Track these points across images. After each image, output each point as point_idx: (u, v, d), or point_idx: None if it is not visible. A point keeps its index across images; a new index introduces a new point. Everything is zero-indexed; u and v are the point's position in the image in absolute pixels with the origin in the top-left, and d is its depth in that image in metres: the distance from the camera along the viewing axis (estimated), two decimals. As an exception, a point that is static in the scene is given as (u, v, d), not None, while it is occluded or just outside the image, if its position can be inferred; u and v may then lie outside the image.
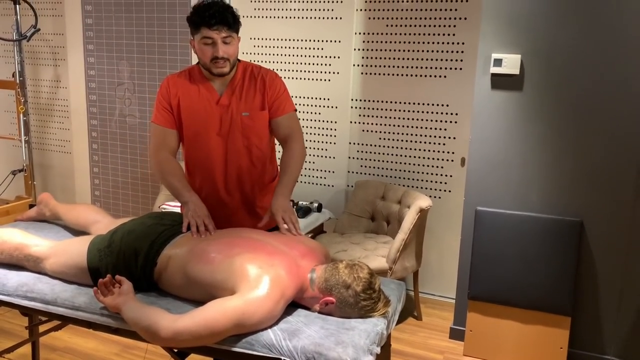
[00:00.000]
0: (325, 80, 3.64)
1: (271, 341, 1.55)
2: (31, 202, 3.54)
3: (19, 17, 3.89)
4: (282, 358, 1.53)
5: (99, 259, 1.86)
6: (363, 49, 3.55)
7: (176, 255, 1.81)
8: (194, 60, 3.90)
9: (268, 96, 2.09)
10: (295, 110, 2.19)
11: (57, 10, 4.37)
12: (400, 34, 3.44)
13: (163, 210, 3.47)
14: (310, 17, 3.60)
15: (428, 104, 3.45)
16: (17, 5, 3.87)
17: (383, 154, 3.62)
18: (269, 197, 2.14)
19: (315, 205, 3.46)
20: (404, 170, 3.59)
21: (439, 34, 3.34)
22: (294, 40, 3.66)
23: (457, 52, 3.32)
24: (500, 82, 2.78)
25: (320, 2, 3.56)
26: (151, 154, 2.13)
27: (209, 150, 2.09)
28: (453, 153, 3.44)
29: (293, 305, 1.73)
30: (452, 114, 3.40)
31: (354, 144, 3.69)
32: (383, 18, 3.46)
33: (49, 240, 2.08)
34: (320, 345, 1.52)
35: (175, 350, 1.81)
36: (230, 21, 1.96)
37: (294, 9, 3.61)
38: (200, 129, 2.08)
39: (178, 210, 3.41)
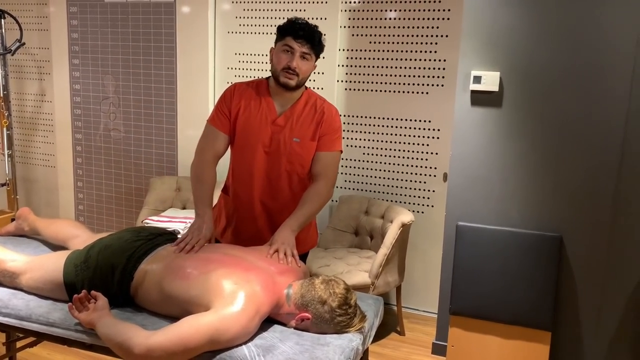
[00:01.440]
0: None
1: (245, 357, 1.55)
2: (13, 217, 3.51)
3: (4, 31, 3.90)
4: (256, 374, 1.53)
5: (75, 274, 1.85)
6: (347, 65, 3.58)
7: (152, 270, 1.81)
8: (179, 74, 3.93)
9: (322, 128, 2.11)
10: (341, 151, 2.19)
11: (42, 24, 4.38)
12: (383, 50, 3.48)
13: (145, 224, 3.46)
14: (295, 34, 3.64)
15: (411, 120, 3.48)
16: (2, 20, 3.87)
17: (367, 169, 3.65)
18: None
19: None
20: (388, 185, 3.61)
21: (421, 51, 3.39)
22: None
23: (439, 69, 3.36)
24: (479, 98, 2.81)
25: (305, 18, 3.59)
26: (197, 151, 2.16)
27: (252, 164, 2.12)
28: (435, 168, 3.47)
29: (269, 321, 1.73)
30: (434, 129, 3.44)
31: (338, 159, 3.70)
32: (366, 35, 3.50)
33: (25, 255, 2.07)
34: (294, 361, 1.52)
35: (151, 367, 1.80)
36: (316, 40, 2.03)
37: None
38: (250, 142, 2.11)
39: (160, 224, 3.41)
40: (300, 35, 1.99)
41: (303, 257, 2.28)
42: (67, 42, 4.24)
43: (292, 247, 1.94)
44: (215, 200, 2.20)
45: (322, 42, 2.07)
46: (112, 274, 1.83)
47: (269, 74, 2.08)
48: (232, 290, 1.61)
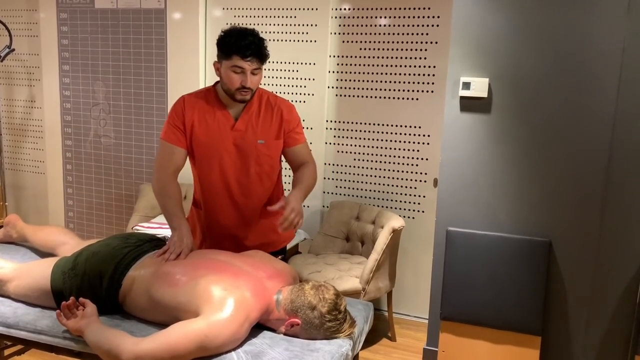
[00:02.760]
0: (300, 101, 3.68)
1: (234, 364, 1.55)
2: (1, 224, 3.48)
3: (-7, 37, 3.88)
4: (246, 381, 1.52)
5: (62, 281, 1.84)
6: (337, 72, 3.60)
7: (140, 277, 1.80)
8: (170, 81, 3.92)
9: (285, 127, 2.15)
10: (306, 140, 2.27)
11: (32, 30, 4.36)
12: (374, 57, 3.50)
13: (135, 231, 3.44)
14: (286, 40, 3.65)
15: (401, 126, 3.50)
16: (-8, 26, 3.86)
17: (358, 174, 3.65)
18: (263, 225, 2.21)
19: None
20: (379, 191, 3.62)
21: (411, 58, 3.41)
22: (269, 62, 3.69)
23: (429, 75, 3.38)
24: (469, 104, 2.83)
25: (295, 25, 3.62)
26: (155, 169, 2.14)
27: (221, 173, 2.12)
28: (426, 174, 3.48)
29: (259, 327, 1.72)
30: (424, 135, 3.45)
31: (329, 164, 3.72)
32: (357, 41, 3.52)
33: (13, 262, 2.06)
34: (284, 367, 1.52)
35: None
36: (263, 54, 2.02)
37: (270, 32, 3.66)
38: (213, 152, 2.11)
39: (150, 231, 3.40)
40: (248, 54, 1.97)
41: (282, 252, 2.35)
42: (57, 48, 4.23)
43: (301, 216, 1.97)
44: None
45: (267, 50, 2.05)
46: (100, 281, 1.82)
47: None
48: (222, 297, 1.61)
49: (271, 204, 2.18)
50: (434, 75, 3.37)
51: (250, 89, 2.03)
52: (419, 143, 3.47)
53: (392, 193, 3.59)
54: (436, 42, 3.34)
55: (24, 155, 4.63)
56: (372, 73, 3.51)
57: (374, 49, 3.49)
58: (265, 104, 2.15)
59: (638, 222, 2.65)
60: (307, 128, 3.69)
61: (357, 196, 3.67)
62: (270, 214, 2.18)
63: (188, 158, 2.18)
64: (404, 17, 3.39)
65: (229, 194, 2.15)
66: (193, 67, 3.86)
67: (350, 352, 1.69)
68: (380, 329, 3.41)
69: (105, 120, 4.19)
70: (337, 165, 3.68)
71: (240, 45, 1.96)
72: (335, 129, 3.66)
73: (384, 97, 3.51)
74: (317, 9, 3.55)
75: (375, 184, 3.62)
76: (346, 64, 3.57)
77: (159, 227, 3.52)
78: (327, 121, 3.67)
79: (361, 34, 3.50)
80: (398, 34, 3.41)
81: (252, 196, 2.17)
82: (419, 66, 3.39)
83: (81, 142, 4.30)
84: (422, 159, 3.48)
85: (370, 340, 3.28)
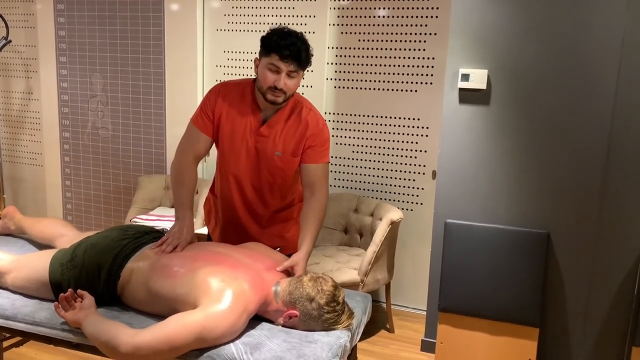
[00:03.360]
0: (298, 93, 3.66)
1: (233, 355, 1.55)
2: (-1, 216, 3.48)
3: (-11, 28, 3.86)
4: (244, 372, 1.53)
5: (61, 273, 1.84)
6: (336, 63, 3.58)
7: (139, 268, 1.80)
8: (168, 72, 3.91)
9: (307, 140, 2.04)
10: (329, 162, 2.14)
11: (29, 22, 4.33)
12: (372, 48, 3.48)
13: (133, 223, 3.44)
14: (284, 31, 3.63)
15: (399, 118, 3.49)
16: (-12, 17, 3.83)
17: (356, 166, 3.65)
18: (273, 230, 2.19)
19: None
20: (377, 183, 3.61)
21: (410, 49, 3.39)
22: (267, 53, 3.69)
23: (428, 66, 3.37)
24: (468, 96, 2.82)
25: (293, 16, 3.60)
26: (178, 151, 2.11)
27: (236, 171, 2.09)
28: (424, 166, 3.48)
29: (257, 319, 1.72)
30: (423, 127, 3.45)
31: (328, 157, 3.70)
32: (355, 33, 3.51)
33: (11, 254, 2.06)
34: (282, 358, 1.52)
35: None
36: (303, 59, 1.94)
37: (268, 23, 3.64)
38: (234, 149, 2.07)
39: (149, 223, 3.39)
40: (287, 55, 1.90)
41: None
42: (54, 39, 4.20)
43: (303, 272, 1.92)
44: (202, 198, 2.20)
45: (309, 55, 1.98)
46: (98, 272, 1.82)
47: None
48: (220, 288, 1.61)
49: (284, 212, 2.16)
50: (433, 67, 3.36)
51: (283, 91, 1.94)
52: (417, 135, 3.47)
53: (390, 185, 3.58)
54: (435, 34, 3.32)
55: (21, 148, 4.62)
56: (371, 65, 3.50)
57: (373, 41, 3.47)
58: (297, 114, 2.05)
59: (636, 214, 2.65)
60: (306, 120, 3.68)
61: (355, 188, 3.67)
62: (281, 220, 2.17)
63: (215, 146, 2.14)
64: (403, 8, 3.37)
65: (242, 193, 2.12)
66: (191, 59, 3.84)
67: (348, 343, 1.70)
68: (379, 321, 3.42)
69: (103, 112, 4.17)
70: (336, 157, 3.68)
71: (281, 44, 1.90)
72: (333, 121, 3.65)
73: (383, 89, 3.50)
74: (315, 0, 3.53)
75: (373, 176, 3.61)
76: (345, 56, 3.56)
77: (158, 219, 3.52)
78: (325, 113, 3.65)
79: (360, 25, 3.48)
80: (397, 25, 3.40)
81: (264, 202, 2.14)
82: (418, 58, 3.38)
83: (79, 134, 4.29)
84: (420, 151, 3.47)
85: (369, 331, 3.28)
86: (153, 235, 2.00)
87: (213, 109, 2.06)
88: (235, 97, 2.06)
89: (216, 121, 2.07)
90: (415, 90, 3.42)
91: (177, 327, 1.52)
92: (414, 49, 3.38)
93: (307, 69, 2.03)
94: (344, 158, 3.67)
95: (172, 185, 2.10)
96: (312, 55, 1.99)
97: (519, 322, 2.79)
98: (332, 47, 3.57)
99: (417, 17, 3.35)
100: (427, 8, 3.32)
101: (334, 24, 3.55)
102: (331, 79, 3.61)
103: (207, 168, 3.98)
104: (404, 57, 3.41)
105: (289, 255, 2.14)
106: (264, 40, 1.95)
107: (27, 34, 4.37)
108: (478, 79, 2.78)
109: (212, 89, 2.11)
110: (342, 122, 3.64)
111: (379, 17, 3.43)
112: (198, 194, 3.70)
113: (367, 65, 3.51)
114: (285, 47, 1.89)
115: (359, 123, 3.59)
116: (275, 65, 1.91)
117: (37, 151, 4.55)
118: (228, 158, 2.09)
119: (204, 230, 3.27)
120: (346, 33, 3.53)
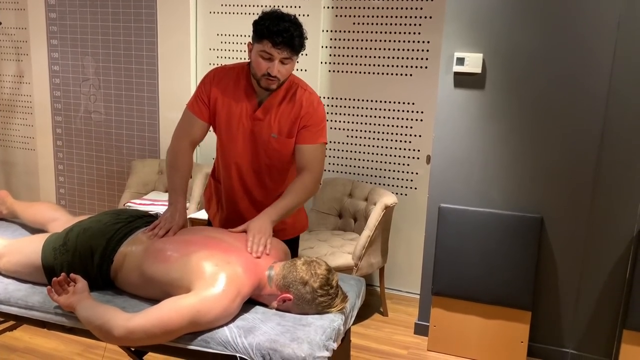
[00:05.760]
0: (294, 74, 3.63)
1: (227, 338, 1.55)
2: (-9, 200, 3.45)
3: (-22, 10, 3.80)
4: (238, 355, 1.53)
5: (53, 257, 1.83)
6: (330, 47, 3.55)
7: (132, 253, 1.79)
8: (161, 55, 3.87)
9: (302, 121, 2.00)
10: (325, 143, 2.07)
11: (19, 3, 4.27)
12: (367, 32, 3.45)
13: (128, 207, 3.43)
14: (278, 14, 3.59)
15: (394, 102, 3.48)
16: (-23, -2, 3.77)
17: (350, 151, 3.64)
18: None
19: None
20: (372, 168, 3.61)
21: (405, 33, 3.37)
22: (261, 37, 3.65)
23: (423, 50, 3.35)
24: (463, 80, 2.81)
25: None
26: (174, 136, 2.09)
27: (235, 156, 2.07)
28: (419, 151, 3.48)
29: (251, 303, 1.73)
30: (417, 112, 3.44)
31: (322, 141, 3.69)
32: (350, 16, 3.47)
33: (3, 238, 2.05)
34: (276, 341, 1.52)
35: (132, 349, 1.80)
36: (297, 45, 1.87)
37: (261, 5, 3.60)
38: (231, 133, 2.04)
39: (142, 208, 3.38)
40: (279, 42, 1.84)
41: (294, 241, 2.27)
42: (45, 21, 4.15)
43: (267, 235, 1.86)
44: (196, 185, 2.17)
45: (303, 40, 1.91)
46: (91, 256, 1.81)
47: None
48: (213, 272, 1.61)
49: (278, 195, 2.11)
50: (428, 50, 3.34)
51: (276, 77, 1.90)
52: (412, 119, 3.46)
53: (385, 170, 3.58)
54: (430, 17, 3.30)
55: (13, 132, 4.58)
56: (366, 48, 3.47)
57: (368, 24, 3.44)
58: (291, 95, 2.01)
59: (629, 199, 2.66)
60: (300, 104, 3.66)
61: (350, 173, 3.66)
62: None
63: (213, 130, 2.12)
64: (398, -9, 3.34)
65: (242, 178, 2.10)
66: (184, 42, 3.80)
67: (342, 326, 1.70)
68: (373, 304, 3.44)
69: (96, 95, 4.14)
70: (330, 142, 3.67)
71: (272, 30, 1.83)
72: (328, 105, 3.63)
73: (378, 73, 3.48)
74: (310, -17, 3.50)
75: (368, 160, 3.61)
76: (339, 39, 3.53)
77: (151, 204, 3.51)
78: (319, 97, 3.62)
79: (354, 8, 3.45)
80: (392, 8, 3.37)
81: (264, 186, 2.11)
82: (413, 41, 3.36)
83: (71, 118, 4.26)
84: (415, 135, 3.47)
85: (363, 315, 3.31)
86: (146, 219, 1.99)
87: (208, 94, 2.04)
88: (230, 82, 2.03)
89: (212, 106, 2.04)
90: (410, 75, 3.41)
91: (170, 311, 1.52)
92: (409, 33, 3.36)
93: (302, 53, 1.99)
94: (339, 143, 3.66)
95: (166, 170, 2.09)
96: (307, 39, 1.95)
97: (511, 306, 2.81)
98: (327, 31, 3.54)
99: (412, 0, 3.32)
100: (423, -9, 3.29)
101: (328, 7, 3.51)
102: (325, 63, 3.58)
103: (201, 152, 3.97)
104: (399, 41, 3.39)
105: (288, 241, 2.14)
106: (256, 25, 1.90)
107: (17, 15, 4.31)
108: (473, 63, 2.76)
109: (207, 74, 2.08)
110: (336, 106, 3.62)
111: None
112: (192, 179, 3.69)
113: (361, 48, 3.48)
114: (278, 34, 1.83)
115: (354, 107, 3.58)
116: (267, 53, 1.86)
117: (29, 135, 4.52)
118: (226, 143, 2.07)
119: (202, 215, 3.27)
120: (341, 16, 3.50)
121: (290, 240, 2.19)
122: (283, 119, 2.01)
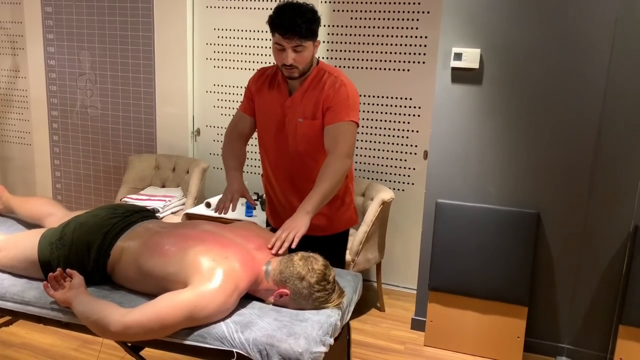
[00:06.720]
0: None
1: (223, 334, 1.55)
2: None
3: (-26, 4, 3.77)
4: (235, 351, 1.53)
5: (50, 252, 1.83)
6: (328, 42, 3.54)
7: (129, 247, 1.79)
8: (157, 50, 3.85)
9: (325, 102, 2.01)
10: (352, 121, 2.01)
11: (15, -3, 4.25)
12: (365, 27, 3.44)
13: (124, 202, 3.42)
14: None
15: (392, 97, 3.47)
16: (-28, -8, 3.75)
17: (348, 146, 3.63)
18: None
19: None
20: (369, 163, 3.60)
21: (402, 28, 3.36)
22: (258, 31, 3.64)
23: (420, 45, 3.34)
24: (460, 76, 2.81)
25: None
26: (225, 133, 2.26)
27: (271, 146, 2.15)
28: (416, 146, 3.47)
29: (248, 298, 1.72)
30: (415, 107, 3.43)
31: (319, 136, 3.68)
32: (348, 11, 3.46)
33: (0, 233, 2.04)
34: (272, 336, 1.52)
35: (129, 344, 1.79)
36: (303, 31, 1.90)
37: (259, 0, 3.58)
38: (267, 125, 2.14)
39: (139, 203, 3.38)
40: (285, 31, 1.90)
41: (341, 236, 2.26)
42: (40, 16, 4.12)
43: (298, 231, 1.81)
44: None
45: (311, 26, 1.92)
46: (88, 251, 1.81)
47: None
48: (210, 267, 1.60)
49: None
50: (425, 45, 3.33)
51: (293, 66, 1.95)
52: (409, 115, 3.45)
53: (382, 165, 3.58)
54: (428, 12, 3.29)
55: (9, 126, 4.56)
56: (363, 43, 3.46)
57: (365, 19, 3.43)
58: (318, 81, 2.04)
59: (625, 195, 2.67)
60: (297, 99, 3.65)
61: (347, 168, 3.65)
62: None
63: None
64: (396, -14, 3.33)
65: (279, 169, 2.17)
66: (180, 36, 3.78)
67: (339, 322, 1.70)
68: (370, 300, 3.44)
69: (92, 90, 4.12)
70: (327, 137, 3.66)
71: (277, 23, 1.91)
72: (325, 100, 3.61)
73: (375, 68, 3.47)
74: (307, -23, 3.48)
75: (365, 156, 3.61)
76: (337, 34, 3.52)
77: (148, 199, 3.50)
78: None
79: (352, 2, 3.44)
80: (390, 3, 3.36)
81: (299, 173, 2.12)
82: (411, 36, 3.35)
83: (68, 112, 4.24)
84: (412, 131, 3.46)
85: (360, 310, 3.31)
86: (143, 214, 1.99)
87: (252, 89, 2.17)
88: (268, 77, 2.14)
89: (256, 101, 2.16)
90: (408, 70, 3.40)
91: (167, 306, 1.52)
92: (407, 28, 3.35)
93: (316, 36, 1.98)
94: (336, 138, 3.65)
95: (223, 157, 2.22)
96: (317, 22, 1.95)
97: (508, 301, 2.82)
98: (324, 25, 3.53)
99: (410, -5, 3.31)
100: (420, -14, 3.28)
101: (326, 1, 3.50)
102: (323, 58, 3.57)
103: (198, 148, 3.96)
104: (397, 36, 3.38)
105: (329, 237, 2.16)
106: (268, 19, 1.97)
107: (12, 9, 4.29)
108: (471, 58, 2.76)
109: (252, 76, 2.21)
110: (333, 101, 3.60)
111: (371, -6, 3.39)
112: (189, 173, 3.68)
113: (359, 43, 3.47)
114: (282, 25, 1.90)
115: (351, 102, 3.56)
116: (279, 44, 1.95)
117: (25, 130, 4.50)
118: (262, 134, 2.17)
119: (199, 210, 3.26)
120: (339, 11, 3.49)
121: (337, 235, 2.22)
122: (309, 102, 2.05)
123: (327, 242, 2.11)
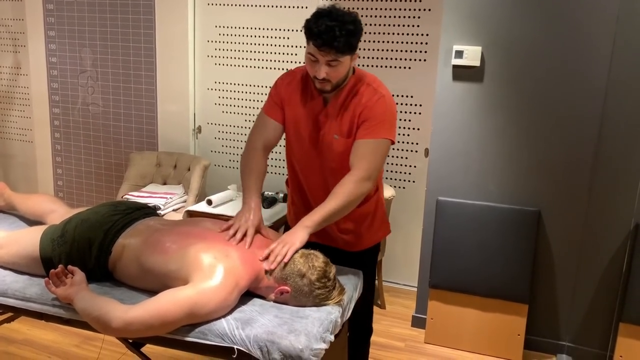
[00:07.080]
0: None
1: (224, 330, 1.55)
2: (-11, 192, 3.45)
3: (-25, 1, 3.78)
4: (235, 347, 1.54)
5: (51, 248, 1.83)
6: (329, 39, 3.54)
7: (131, 244, 1.79)
8: (159, 47, 3.85)
9: (359, 117, 1.86)
10: (386, 139, 1.87)
11: (16, -6, 4.25)
12: (366, 24, 3.43)
13: (126, 200, 3.42)
14: (276, 6, 3.57)
15: (393, 95, 3.45)
16: (-26, -11, 3.75)
17: (349, 144, 3.63)
18: (349, 221, 2.01)
19: (281, 195, 3.46)
20: (370, 161, 3.60)
21: (403, 25, 3.36)
22: (259, 29, 3.64)
23: (422, 43, 3.34)
24: (461, 73, 2.81)
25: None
26: (247, 140, 2.01)
27: (302, 160, 2.00)
28: (417, 144, 3.47)
29: (248, 295, 1.73)
30: (416, 105, 3.43)
31: (320, 134, 3.68)
32: (348, 8, 3.45)
33: (1, 230, 2.05)
34: (273, 333, 1.53)
35: (130, 341, 1.80)
36: (341, 45, 1.71)
37: (260, -2, 3.59)
38: (299, 136, 1.96)
39: (141, 200, 3.38)
40: (321, 43, 1.70)
41: (372, 251, 2.16)
42: (42, 13, 4.13)
43: (292, 245, 1.72)
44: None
45: (351, 40, 1.74)
46: (89, 248, 1.81)
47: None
48: (211, 264, 1.61)
49: (360, 207, 1.97)
50: (426, 43, 3.33)
51: (326, 80, 1.78)
52: (410, 113, 3.45)
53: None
54: (429, 10, 3.29)
55: (10, 124, 4.57)
56: (364, 41, 3.46)
57: (366, 16, 3.43)
58: (355, 93, 1.86)
59: (626, 193, 2.67)
60: (298, 97, 3.65)
61: (348, 166, 3.66)
62: (356, 216, 2.01)
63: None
64: (397, -17, 3.33)
65: (310, 182, 2.02)
66: (182, 33, 3.78)
67: (339, 319, 1.71)
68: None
69: (94, 87, 4.12)
70: (329, 134, 3.66)
71: (314, 31, 1.70)
72: (326, 97, 3.62)
73: (376, 66, 3.47)
74: (308, -25, 3.48)
75: (366, 153, 3.60)
76: (338, 32, 3.51)
77: (149, 196, 3.51)
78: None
79: (353, 0, 3.44)
80: (391, 0, 3.35)
81: (329, 189, 1.91)
82: (412, 34, 3.35)
83: (69, 110, 4.24)
84: (413, 128, 3.46)
85: (360, 308, 3.31)
86: (144, 211, 1.99)
87: (280, 95, 1.96)
88: (299, 84, 1.95)
89: (285, 107, 1.97)
90: (409, 67, 3.40)
91: (168, 303, 1.52)
92: (408, 25, 3.35)
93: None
94: (337, 135, 3.65)
95: (241, 171, 1.99)
96: (359, 36, 1.77)
97: (508, 299, 2.82)
98: (325, 23, 3.52)
99: (411, -8, 3.30)
100: (422, -17, 3.28)
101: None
102: (324, 55, 3.57)
103: (199, 145, 3.96)
104: (398, 34, 3.38)
105: (367, 250, 2.08)
106: (305, 24, 1.77)
107: (14, 6, 4.29)
108: (472, 55, 2.76)
109: (281, 77, 2.00)
110: (335, 99, 3.61)
111: (372, -8, 3.39)
112: (190, 171, 3.69)
113: (360, 41, 3.46)
114: (319, 35, 1.69)
115: (352, 100, 3.56)
116: (313, 55, 1.76)
117: (27, 127, 4.50)
118: (293, 145, 2.00)
119: (201, 207, 3.26)
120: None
121: (369, 250, 2.11)
122: (345, 118, 1.88)
123: (357, 257, 2.07)
